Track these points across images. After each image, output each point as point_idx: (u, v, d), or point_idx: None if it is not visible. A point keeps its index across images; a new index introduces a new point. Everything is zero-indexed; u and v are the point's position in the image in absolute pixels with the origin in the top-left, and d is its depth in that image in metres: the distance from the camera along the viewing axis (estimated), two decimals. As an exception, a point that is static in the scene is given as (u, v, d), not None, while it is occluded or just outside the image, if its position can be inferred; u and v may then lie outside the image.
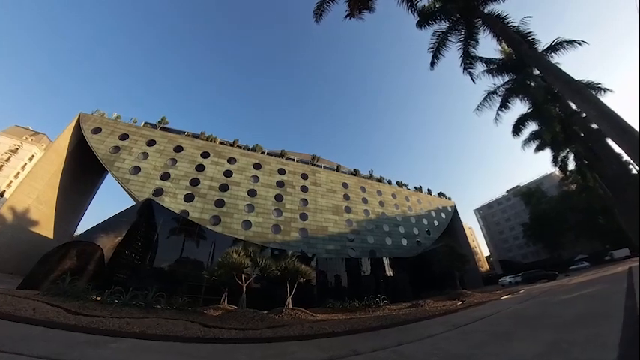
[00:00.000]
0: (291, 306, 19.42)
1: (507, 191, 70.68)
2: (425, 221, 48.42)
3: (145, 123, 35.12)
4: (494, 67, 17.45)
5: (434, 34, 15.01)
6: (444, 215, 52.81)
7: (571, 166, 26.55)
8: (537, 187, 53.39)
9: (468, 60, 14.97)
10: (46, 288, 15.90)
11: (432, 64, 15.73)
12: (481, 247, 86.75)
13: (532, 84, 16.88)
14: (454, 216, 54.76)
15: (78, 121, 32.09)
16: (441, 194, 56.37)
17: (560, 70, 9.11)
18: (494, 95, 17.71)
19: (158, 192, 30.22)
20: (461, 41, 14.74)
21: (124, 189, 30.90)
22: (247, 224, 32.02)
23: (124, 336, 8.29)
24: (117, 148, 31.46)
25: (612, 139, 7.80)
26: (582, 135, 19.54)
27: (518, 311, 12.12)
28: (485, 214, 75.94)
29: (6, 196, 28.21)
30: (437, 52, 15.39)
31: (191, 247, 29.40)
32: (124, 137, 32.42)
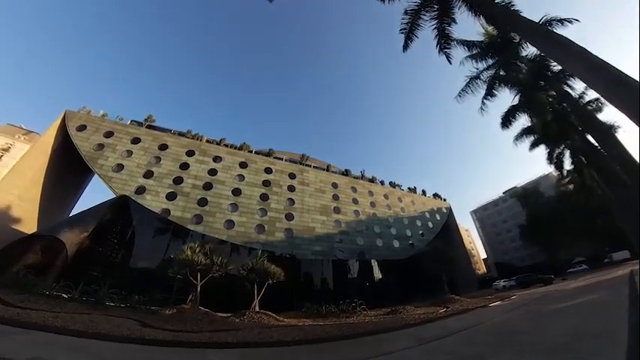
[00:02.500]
0: (257, 308, 17.61)
1: (504, 192, 67.32)
2: (418, 222, 45.86)
3: (131, 121, 33.67)
4: (478, 52, 15.35)
5: (405, 13, 13.03)
6: (438, 216, 50.16)
7: (568, 165, 24.17)
8: (534, 187, 50.16)
9: (444, 39, 12.91)
10: None
11: (405, 47, 13.70)
12: (478, 249, 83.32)
13: (519, 64, 14.70)
14: (449, 217, 52.05)
15: (64, 119, 30.79)
16: (436, 195, 53.81)
17: (539, 24, 7.08)
18: (478, 81, 15.55)
19: (140, 190, 28.62)
20: (434, 19, 12.72)
21: (107, 186, 29.34)
22: (230, 224, 30.14)
23: (42, 329, 7.86)
24: (101, 146, 30.05)
25: (606, 97, 5.75)
26: (580, 127, 17.30)
27: (502, 324, 9.90)
28: (482, 215, 72.43)
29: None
30: (410, 34, 13.36)
31: (169, 245, 27.52)
32: (109, 135, 31.02)
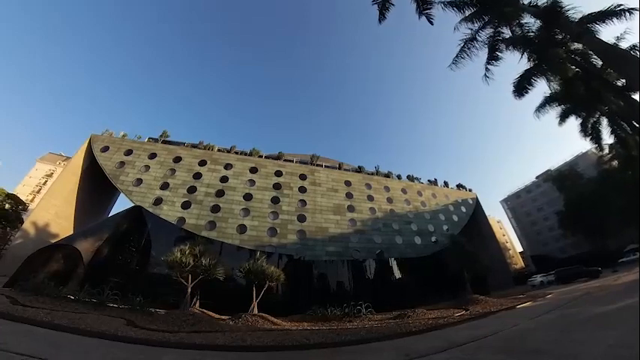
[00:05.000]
0: (256, 311, 16.36)
1: (537, 177, 58.90)
2: (442, 216, 41.66)
3: (148, 138, 34.62)
4: (472, 12, 12.64)
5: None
6: (464, 209, 45.30)
7: (608, 136, 19.67)
8: (571, 168, 42.95)
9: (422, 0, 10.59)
10: (18, 284, 16.36)
11: (380, 18, 11.63)
12: (513, 242, 74.32)
13: (522, 16, 11.74)
14: (477, 209, 46.78)
15: (89, 142, 32.38)
16: (459, 186, 48.88)
17: None
18: (475, 43, 12.76)
19: (158, 201, 29.05)
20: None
21: (129, 199, 30.17)
22: (242, 228, 29.31)
23: (28, 323, 8.49)
24: (122, 163, 31.17)
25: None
26: (618, 85, 13.71)
27: (522, 336, 7.34)
28: (514, 204, 63.85)
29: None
30: (385, 2, 11.22)
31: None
32: (129, 152, 32.11)
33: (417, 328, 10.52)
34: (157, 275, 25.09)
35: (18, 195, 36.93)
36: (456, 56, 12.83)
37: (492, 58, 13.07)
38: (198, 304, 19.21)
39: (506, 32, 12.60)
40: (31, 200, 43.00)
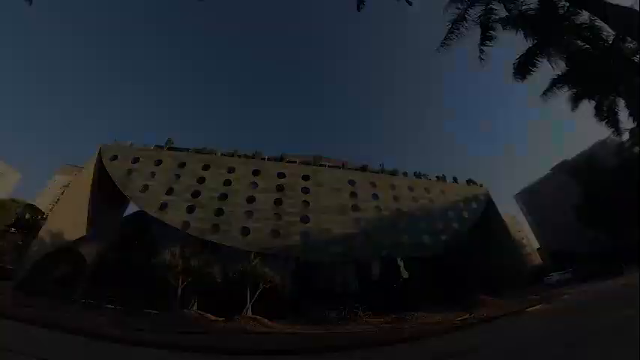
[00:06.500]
0: (250, 313, 15.77)
1: (551, 169, 55.49)
2: (451, 214, 39.63)
3: (154, 145, 34.98)
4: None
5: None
6: (474, 205, 43.01)
7: (627, 119, 17.57)
8: (589, 158, 39.55)
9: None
10: (24, 287, 17.24)
11: (359, 6, 10.75)
12: (529, 238, 69.81)
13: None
14: (488, 205, 44.36)
15: (99, 152, 33.01)
16: (469, 181, 46.60)
17: None
18: (465, 23, 11.50)
19: (163, 206, 29.16)
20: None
21: (136, 205, 30.48)
22: (245, 231, 28.83)
23: (20, 320, 9.24)
24: (130, 171, 31.58)
25: None
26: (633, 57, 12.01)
27: (521, 350, 6.14)
28: (528, 199, 60.68)
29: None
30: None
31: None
32: (136, 160, 32.55)
33: (409, 335, 9.42)
34: (160, 278, 25.07)
35: (37, 206, 38.30)
36: (445, 38, 11.65)
37: (486, 38, 11.77)
38: (196, 305, 18.85)
39: (498, 8, 11.29)
40: (50, 210, 44.76)
